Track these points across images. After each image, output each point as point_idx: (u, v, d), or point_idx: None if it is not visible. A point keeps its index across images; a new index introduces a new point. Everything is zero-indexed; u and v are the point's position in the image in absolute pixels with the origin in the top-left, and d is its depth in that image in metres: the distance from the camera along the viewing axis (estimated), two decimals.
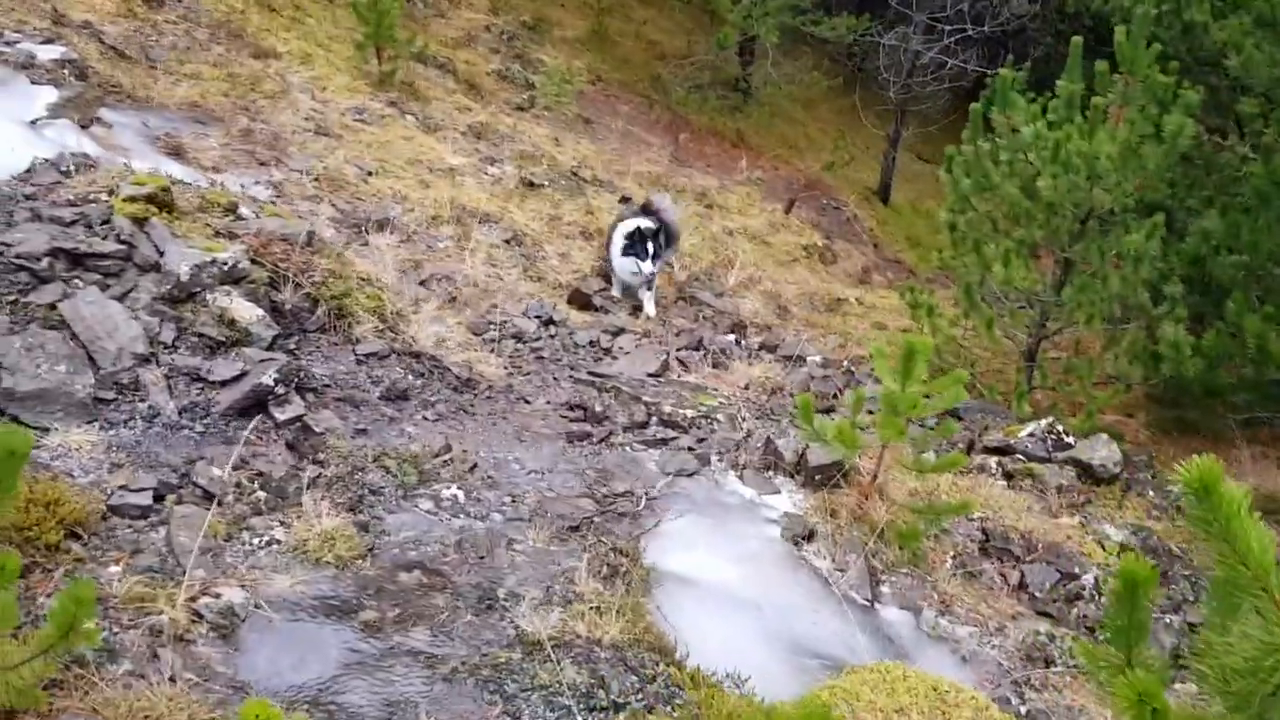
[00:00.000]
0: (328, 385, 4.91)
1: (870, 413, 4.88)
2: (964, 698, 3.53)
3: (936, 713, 3.43)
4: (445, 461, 4.57)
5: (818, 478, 5.06)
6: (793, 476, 5.16)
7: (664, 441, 5.33)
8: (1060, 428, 6.43)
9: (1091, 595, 4.83)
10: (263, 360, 4.62)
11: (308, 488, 4.09)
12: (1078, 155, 7.18)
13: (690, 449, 5.28)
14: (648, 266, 7.54)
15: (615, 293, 8.03)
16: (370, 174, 8.69)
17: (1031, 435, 6.36)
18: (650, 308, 7.91)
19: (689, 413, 5.68)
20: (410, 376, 5.37)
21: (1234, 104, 8.44)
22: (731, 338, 8.23)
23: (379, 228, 7.68)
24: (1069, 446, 6.31)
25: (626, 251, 7.56)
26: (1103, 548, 5.29)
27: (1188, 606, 5.04)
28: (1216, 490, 1.94)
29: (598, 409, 5.52)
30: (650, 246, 7.54)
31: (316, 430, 4.52)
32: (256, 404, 4.50)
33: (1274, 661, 1.80)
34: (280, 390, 4.54)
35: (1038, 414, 7.75)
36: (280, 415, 4.48)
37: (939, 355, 8.74)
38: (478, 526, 4.08)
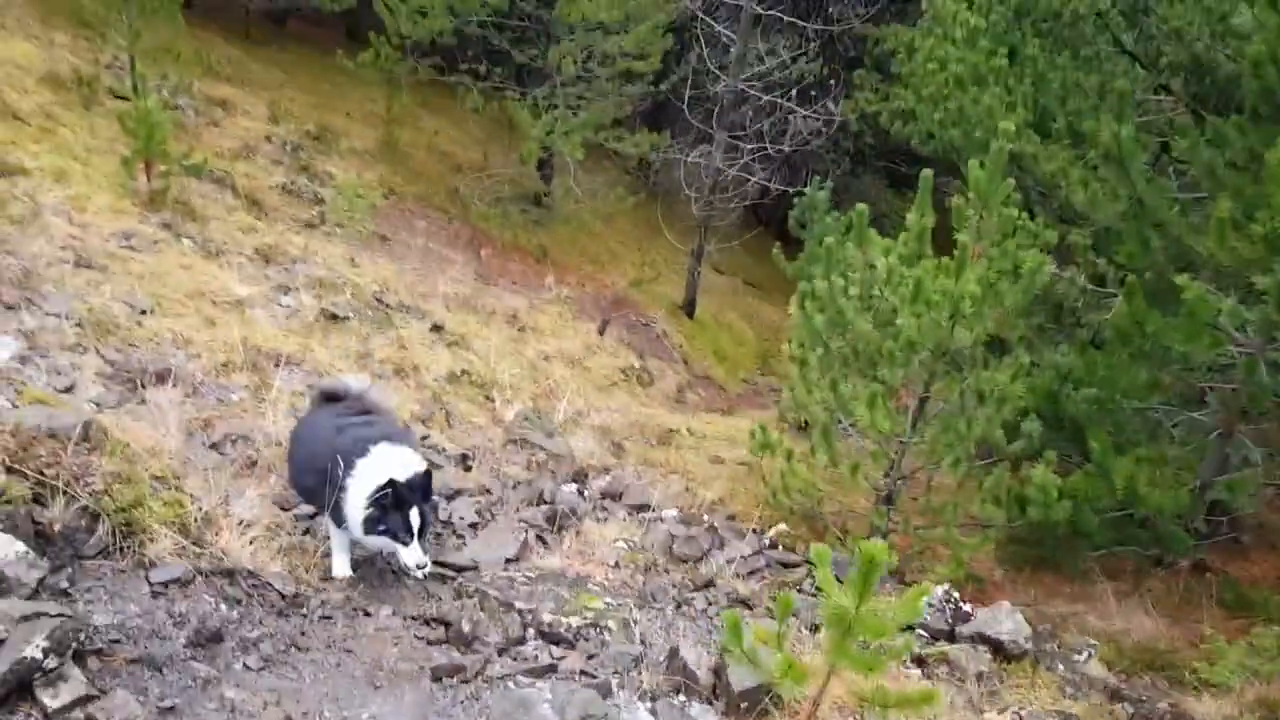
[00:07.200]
0: (116, 640, 3.66)
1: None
2: None
3: None
4: None
5: (743, 705, 4.24)
6: (711, 702, 4.32)
7: (552, 668, 4.36)
8: (957, 595, 5.93)
9: None
10: (25, 618, 3.36)
11: None
12: (940, 293, 6.86)
13: (584, 673, 4.35)
14: (415, 555, 4.43)
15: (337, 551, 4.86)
16: (144, 313, 7.37)
17: (930, 605, 5.82)
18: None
19: (573, 620, 4.74)
20: (223, 606, 4.17)
21: (1064, 235, 8.46)
22: (574, 487, 7.44)
23: (158, 380, 6.41)
24: (969, 617, 5.81)
25: (374, 527, 4.41)
26: None
27: None
28: None
29: (465, 628, 4.49)
30: (415, 514, 4.37)
31: None
32: (19, 687, 3.24)
33: None
34: (52, 663, 3.30)
35: (901, 565, 7.32)
36: (53, 702, 3.24)
37: (787, 495, 8.21)
38: None
